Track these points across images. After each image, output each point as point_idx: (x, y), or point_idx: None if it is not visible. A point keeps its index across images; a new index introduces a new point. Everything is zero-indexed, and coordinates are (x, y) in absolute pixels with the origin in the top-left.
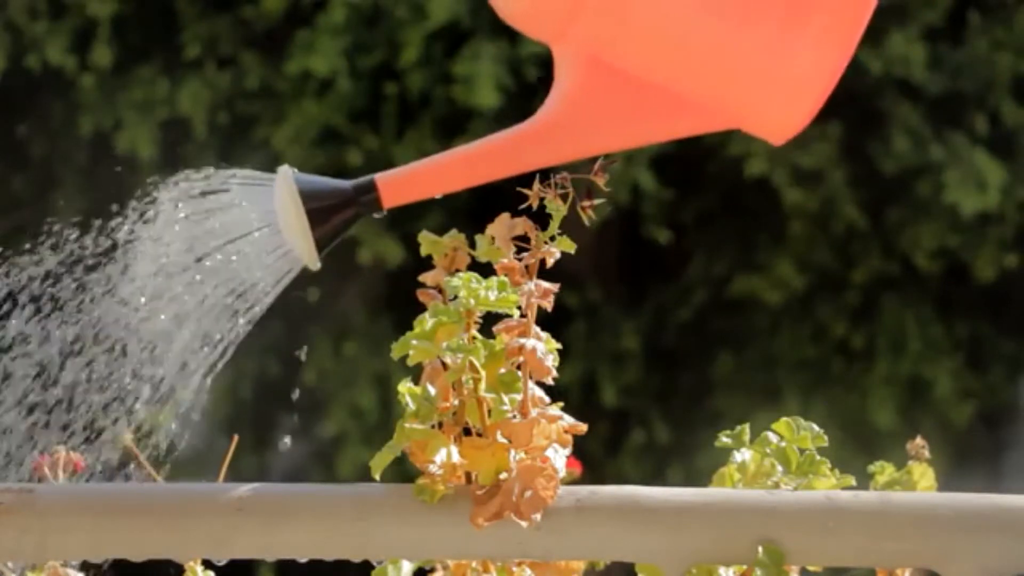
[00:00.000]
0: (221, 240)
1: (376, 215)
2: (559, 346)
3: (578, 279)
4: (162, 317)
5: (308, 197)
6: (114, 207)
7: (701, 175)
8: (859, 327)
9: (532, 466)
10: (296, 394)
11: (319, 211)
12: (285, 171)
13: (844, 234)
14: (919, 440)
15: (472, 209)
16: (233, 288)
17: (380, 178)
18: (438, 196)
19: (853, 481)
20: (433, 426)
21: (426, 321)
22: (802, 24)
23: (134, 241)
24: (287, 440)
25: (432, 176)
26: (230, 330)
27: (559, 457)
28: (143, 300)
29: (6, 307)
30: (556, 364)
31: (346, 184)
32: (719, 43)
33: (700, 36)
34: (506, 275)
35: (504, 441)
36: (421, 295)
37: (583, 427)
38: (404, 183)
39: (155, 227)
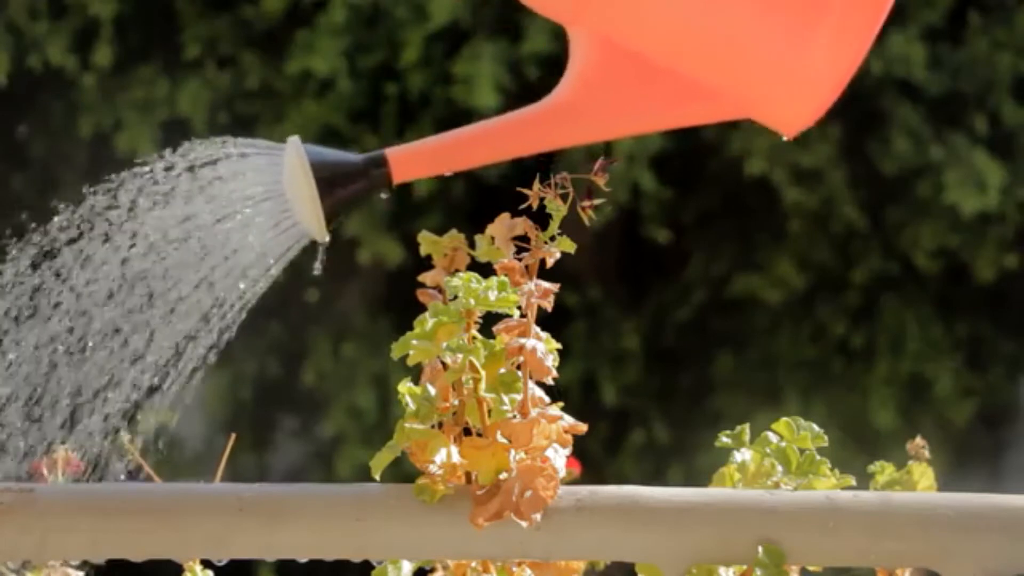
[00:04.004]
0: (228, 209)
1: (384, 193)
2: (559, 346)
3: (578, 279)
4: (167, 287)
5: (318, 168)
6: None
7: (701, 175)
8: (859, 327)
9: (532, 466)
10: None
11: (329, 182)
12: (295, 141)
13: (844, 234)
14: (919, 440)
15: (472, 209)
16: (239, 259)
17: (391, 152)
18: (447, 174)
19: (853, 481)
20: (433, 426)
21: (426, 321)
22: (817, 19)
23: (142, 208)
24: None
25: (442, 153)
26: (234, 303)
27: (559, 457)
28: (149, 267)
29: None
30: (556, 364)
31: (357, 157)
32: (733, 32)
33: (714, 23)
34: (506, 275)
35: (504, 441)
36: (421, 295)
37: (583, 427)
38: (414, 158)
39: (162, 195)
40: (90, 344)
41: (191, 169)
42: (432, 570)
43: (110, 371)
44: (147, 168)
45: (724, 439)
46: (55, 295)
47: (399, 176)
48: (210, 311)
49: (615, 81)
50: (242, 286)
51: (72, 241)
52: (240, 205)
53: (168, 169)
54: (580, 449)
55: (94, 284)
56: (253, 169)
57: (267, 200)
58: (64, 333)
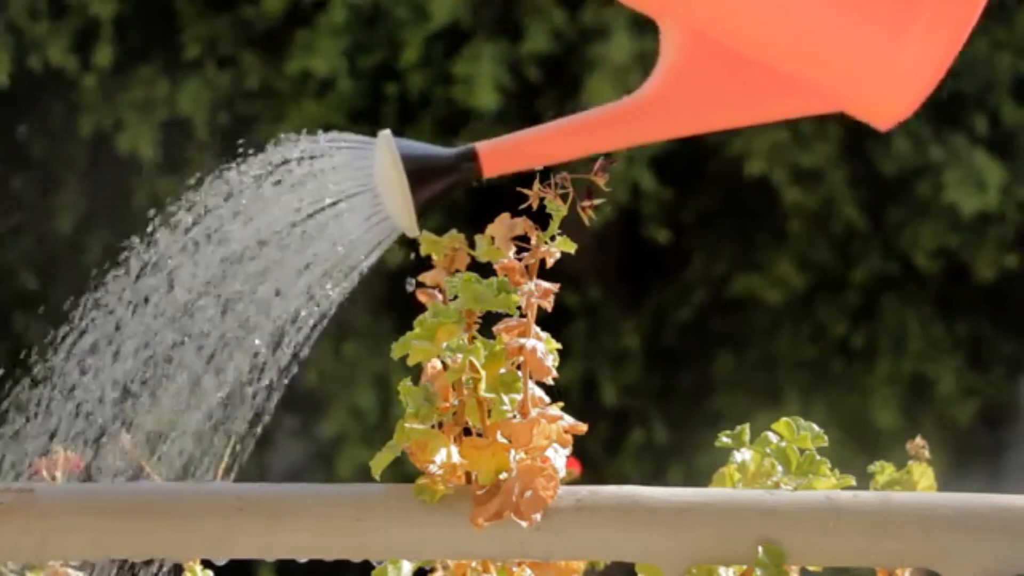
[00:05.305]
0: (321, 204)
1: (475, 183)
2: (559, 346)
3: (578, 279)
4: (262, 281)
5: (409, 162)
6: (212, 173)
7: (701, 175)
8: (859, 327)
9: (532, 466)
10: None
11: (419, 177)
12: (387, 135)
13: (844, 234)
14: (919, 440)
15: (472, 209)
16: (330, 252)
17: (481, 147)
18: (538, 167)
19: (853, 481)
20: (433, 426)
21: (426, 321)
22: (913, 11)
23: (231, 206)
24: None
25: (532, 147)
26: (323, 298)
27: (559, 457)
28: (243, 262)
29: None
30: (556, 364)
31: (447, 151)
32: (825, 25)
33: (805, 16)
34: (506, 275)
35: (504, 441)
36: (421, 295)
37: (583, 427)
38: (504, 152)
39: (252, 192)
40: (183, 340)
41: (285, 164)
42: (432, 570)
43: (204, 366)
44: (242, 164)
45: (724, 439)
46: (144, 300)
47: (489, 171)
48: (303, 304)
49: (705, 74)
50: (333, 280)
51: (167, 242)
52: (332, 199)
53: (263, 164)
54: (580, 449)
55: (189, 280)
56: (345, 163)
57: (359, 194)
58: (154, 331)
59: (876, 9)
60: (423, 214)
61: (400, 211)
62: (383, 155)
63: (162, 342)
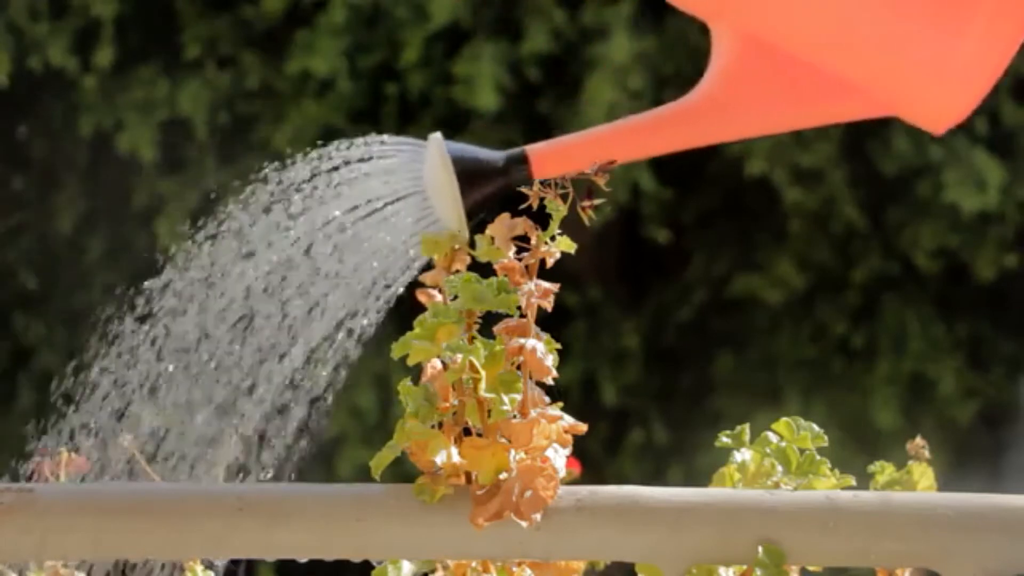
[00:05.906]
0: (372, 206)
1: (524, 187)
2: (559, 346)
3: (578, 279)
4: (313, 282)
5: (460, 165)
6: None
7: (701, 175)
8: (859, 327)
9: (532, 466)
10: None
11: (470, 180)
12: (437, 138)
13: (844, 234)
14: (919, 440)
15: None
16: (381, 254)
17: (531, 149)
18: (588, 171)
19: (853, 481)
20: (433, 426)
21: (426, 321)
22: (968, 13)
23: (283, 208)
24: None
25: (583, 149)
26: (378, 297)
27: (559, 457)
28: (294, 264)
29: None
30: (556, 364)
31: (497, 154)
32: (881, 27)
33: (860, 17)
34: (506, 275)
35: (504, 441)
36: (421, 295)
37: (583, 427)
38: (554, 155)
39: (309, 192)
40: (235, 336)
41: (336, 168)
42: (432, 570)
43: (257, 364)
44: (292, 166)
45: (724, 439)
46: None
47: (539, 173)
48: (355, 306)
49: (757, 77)
50: (384, 281)
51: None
52: (383, 202)
53: (314, 167)
54: (580, 449)
55: (241, 280)
56: (396, 166)
57: (409, 196)
58: (209, 327)
59: (933, 8)
60: (473, 217)
61: (450, 214)
62: (433, 158)
63: (218, 344)
